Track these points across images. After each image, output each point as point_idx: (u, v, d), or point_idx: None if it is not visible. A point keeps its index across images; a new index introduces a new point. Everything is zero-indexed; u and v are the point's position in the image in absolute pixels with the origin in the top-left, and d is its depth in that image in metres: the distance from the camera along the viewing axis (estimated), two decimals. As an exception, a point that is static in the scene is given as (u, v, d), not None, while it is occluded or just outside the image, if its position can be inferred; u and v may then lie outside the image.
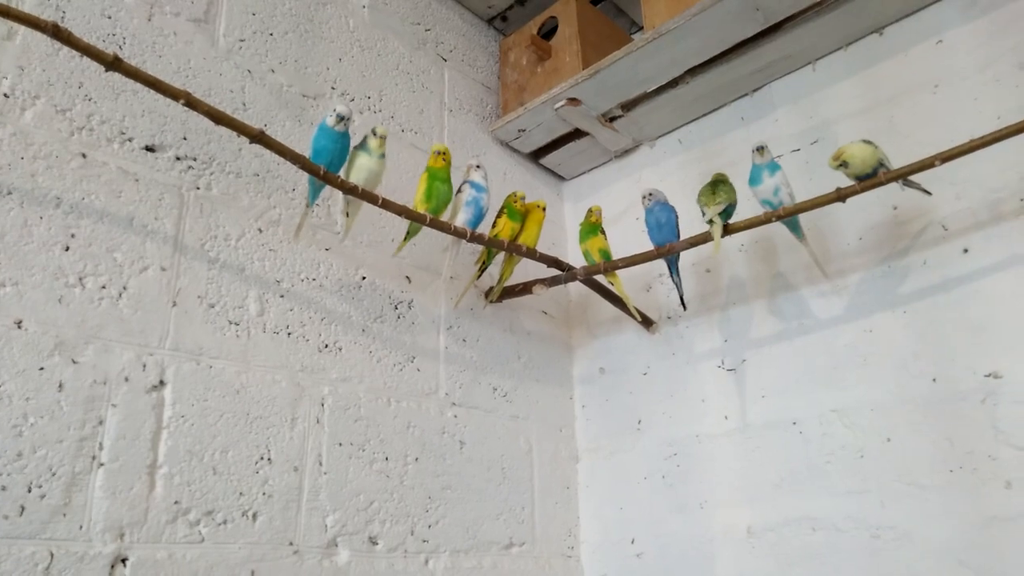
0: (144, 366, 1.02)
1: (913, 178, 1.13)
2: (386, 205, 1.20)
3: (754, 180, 1.24)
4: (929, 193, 1.16)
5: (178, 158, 1.15)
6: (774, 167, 1.23)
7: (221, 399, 1.09)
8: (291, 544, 1.10)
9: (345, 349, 1.27)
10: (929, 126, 1.31)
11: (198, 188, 1.16)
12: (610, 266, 1.41)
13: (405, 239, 1.31)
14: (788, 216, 1.22)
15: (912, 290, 1.26)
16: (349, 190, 1.17)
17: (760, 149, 1.23)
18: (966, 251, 1.22)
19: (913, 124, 1.33)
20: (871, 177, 1.14)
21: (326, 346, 1.25)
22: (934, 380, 1.20)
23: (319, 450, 1.18)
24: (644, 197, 1.38)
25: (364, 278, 1.35)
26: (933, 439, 1.18)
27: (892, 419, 1.22)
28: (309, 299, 1.25)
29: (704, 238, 1.29)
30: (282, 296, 1.21)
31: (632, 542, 1.49)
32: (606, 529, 1.54)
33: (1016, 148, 1.14)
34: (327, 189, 1.21)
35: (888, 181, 1.13)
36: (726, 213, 1.26)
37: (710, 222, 1.26)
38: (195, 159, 1.17)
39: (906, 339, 1.25)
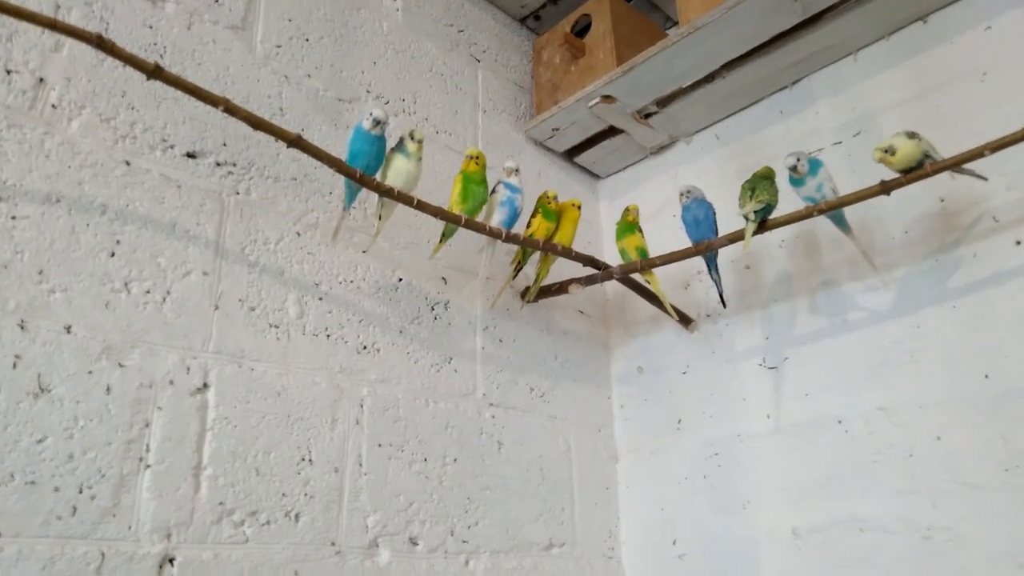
0: (188, 369, 1.04)
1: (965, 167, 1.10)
2: (421, 206, 1.21)
3: (796, 183, 1.21)
4: (985, 179, 1.12)
5: (218, 164, 1.17)
6: (815, 166, 1.19)
7: (263, 401, 1.10)
8: (333, 544, 1.11)
9: (383, 350, 1.28)
10: (978, 115, 1.26)
11: (238, 193, 1.18)
12: (647, 264, 1.39)
13: (441, 240, 1.31)
14: (830, 210, 1.19)
15: (961, 284, 1.23)
16: (385, 192, 1.18)
17: (794, 168, 1.19)
18: (1019, 243, 1.18)
19: (961, 113, 1.29)
20: (917, 169, 1.10)
21: (364, 348, 1.26)
22: (986, 376, 1.16)
23: (359, 451, 1.19)
24: (681, 195, 1.37)
25: (401, 280, 1.36)
26: (986, 437, 1.14)
27: (942, 417, 1.19)
28: (347, 301, 1.26)
29: (743, 235, 1.27)
30: (321, 298, 1.22)
31: (674, 543, 1.47)
32: (647, 530, 1.53)
33: (1071, 135, 1.10)
34: (363, 192, 1.22)
35: (935, 172, 1.10)
36: (763, 211, 1.23)
37: (745, 218, 1.24)
38: (234, 164, 1.19)
39: (955, 334, 1.21)
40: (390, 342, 1.30)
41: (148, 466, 0.97)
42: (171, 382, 1.02)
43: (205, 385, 1.05)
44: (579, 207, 1.44)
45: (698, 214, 1.35)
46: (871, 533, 1.22)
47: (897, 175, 1.12)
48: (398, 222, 1.35)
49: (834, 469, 1.29)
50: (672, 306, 1.48)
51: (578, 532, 1.47)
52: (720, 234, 1.33)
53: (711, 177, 1.63)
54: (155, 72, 0.95)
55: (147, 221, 1.06)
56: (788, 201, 1.26)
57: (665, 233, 1.65)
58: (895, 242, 1.32)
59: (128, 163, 1.07)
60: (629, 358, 1.69)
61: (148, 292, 1.04)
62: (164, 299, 1.05)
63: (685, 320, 1.57)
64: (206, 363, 1.06)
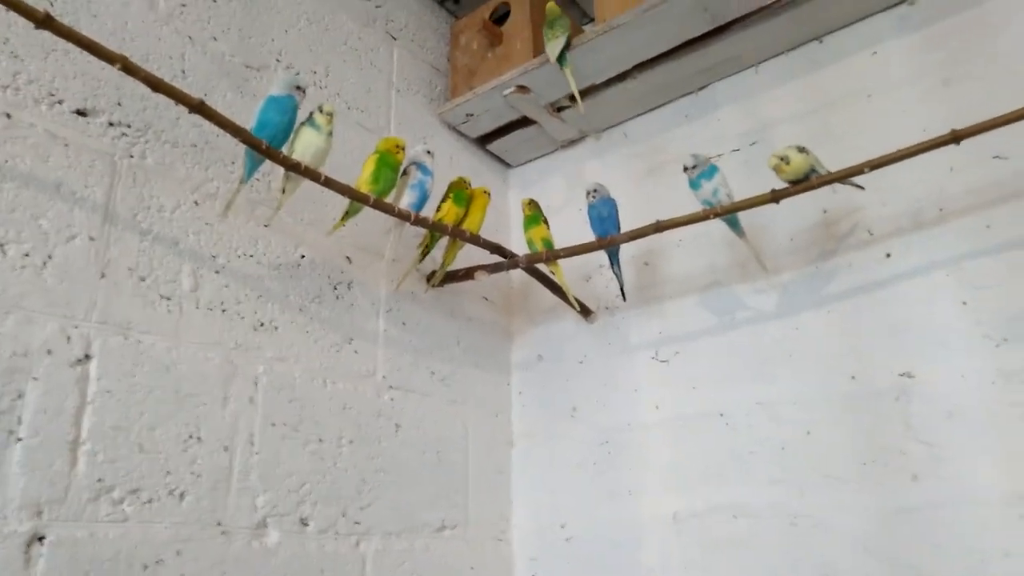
0: (69, 338, 0.98)
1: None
2: (329, 183, 1.19)
3: (694, 186, 1.27)
4: (862, 188, 1.20)
5: (111, 124, 1.10)
6: (711, 171, 1.26)
7: (150, 375, 1.06)
8: (219, 524, 1.08)
9: (281, 328, 1.25)
10: (862, 133, 1.36)
11: (132, 156, 1.12)
12: (552, 255, 1.42)
13: (343, 218, 1.28)
14: (725, 214, 1.25)
15: (837, 291, 1.32)
16: (292, 167, 1.15)
17: (687, 169, 1.26)
18: (888, 256, 1.28)
19: (847, 130, 1.38)
20: (804, 181, 1.18)
21: (262, 324, 1.23)
22: (853, 378, 1.26)
23: (251, 429, 1.16)
24: (588, 193, 1.40)
25: (303, 257, 1.33)
26: (850, 433, 1.24)
27: (813, 413, 1.28)
28: (245, 276, 1.22)
29: (644, 232, 1.32)
30: (217, 272, 1.18)
31: (562, 527, 1.52)
32: (538, 514, 1.57)
33: (938, 160, 1.20)
34: (267, 165, 1.18)
35: (819, 185, 1.18)
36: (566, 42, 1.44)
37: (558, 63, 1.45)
38: (129, 126, 1.12)
39: (829, 337, 1.30)
40: (289, 320, 1.27)
41: (19, 439, 0.91)
42: (49, 351, 0.96)
43: (87, 356, 1.00)
44: (489, 194, 1.45)
45: (603, 211, 1.39)
46: (744, 519, 1.30)
47: (786, 185, 1.20)
48: (303, 198, 1.32)
49: (714, 459, 1.37)
50: (575, 297, 1.52)
51: (471, 515, 1.50)
52: (623, 230, 1.37)
53: (617, 173, 1.68)
54: (45, 21, 0.89)
55: (29, 179, 0.99)
56: (686, 202, 1.32)
57: (572, 225, 1.67)
58: (782, 248, 1.40)
59: (9, 115, 0.99)
60: (530, 346, 1.72)
61: (27, 255, 0.97)
62: (45, 263, 0.99)
63: (585, 311, 1.62)
64: (89, 333, 1.01)
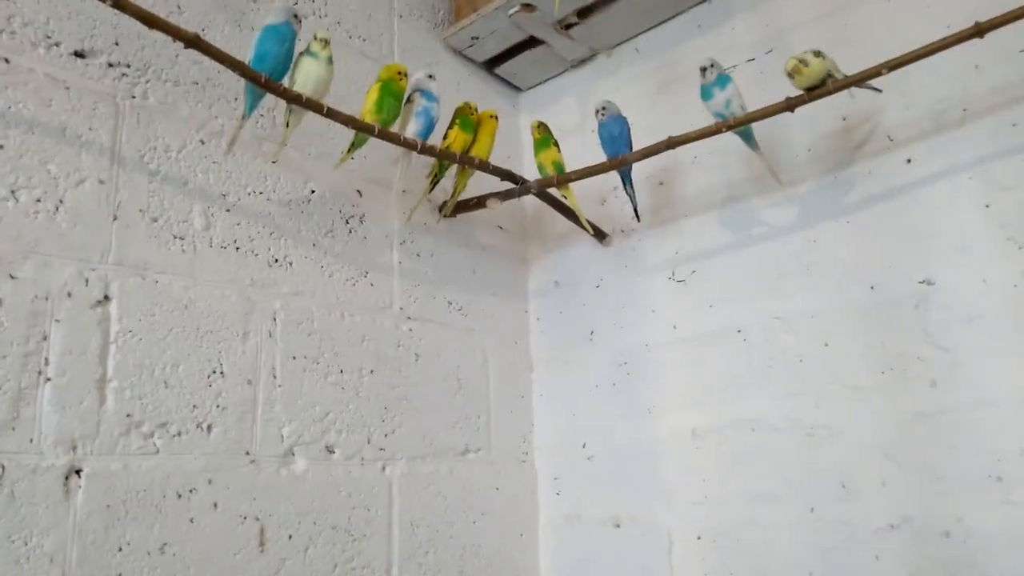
0: (87, 281, 1.00)
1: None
2: (331, 115, 1.17)
3: (705, 95, 1.23)
4: (879, 91, 1.16)
5: (111, 64, 1.10)
6: (724, 80, 1.22)
7: (169, 314, 1.08)
8: (248, 454, 1.12)
9: (296, 264, 1.27)
10: (882, 35, 1.30)
11: (134, 97, 1.11)
12: (563, 179, 1.40)
13: (349, 150, 1.27)
14: (738, 126, 1.22)
15: (856, 200, 1.29)
16: (293, 99, 1.13)
17: (704, 70, 1.22)
18: (909, 161, 1.24)
19: (867, 33, 1.32)
20: (820, 87, 1.14)
21: (276, 261, 1.24)
22: (872, 287, 1.24)
23: (272, 363, 1.19)
24: (597, 111, 1.37)
25: (313, 192, 1.33)
26: (868, 343, 1.23)
27: (831, 325, 1.27)
28: (256, 213, 1.23)
29: (655, 149, 1.29)
30: (228, 210, 1.19)
31: (583, 446, 1.55)
32: (559, 435, 1.60)
33: (961, 58, 1.15)
34: (271, 99, 1.17)
35: (836, 90, 1.13)
36: None
37: None
38: (129, 66, 1.12)
39: (848, 248, 1.28)
40: (303, 255, 1.28)
41: (48, 379, 0.94)
42: (69, 294, 0.98)
43: (106, 297, 1.02)
44: (496, 118, 1.43)
45: (613, 130, 1.36)
46: (762, 432, 1.31)
47: (801, 92, 1.16)
48: (309, 131, 1.31)
49: (732, 375, 1.37)
50: (588, 221, 1.50)
51: (493, 438, 1.53)
52: (635, 149, 1.34)
53: (630, 91, 1.64)
54: (29, -41, 0.88)
55: (33, 125, 1.00)
56: (700, 116, 1.28)
57: (585, 148, 1.65)
58: (799, 159, 1.37)
59: (8, 60, 0.99)
60: (546, 272, 1.72)
61: (39, 201, 0.98)
62: (57, 208, 1.00)
63: (600, 235, 1.60)
64: (106, 275, 1.03)
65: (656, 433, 1.45)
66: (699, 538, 1.35)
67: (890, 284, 1.22)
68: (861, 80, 1.12)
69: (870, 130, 1.30)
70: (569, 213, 1.53)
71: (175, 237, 1.11)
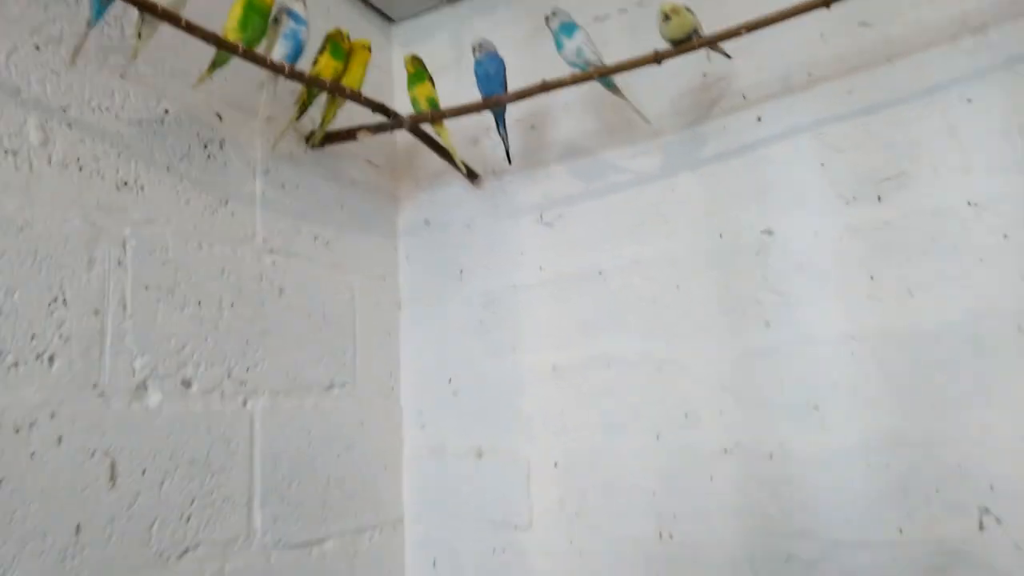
0: (-102, 195, 0.89)
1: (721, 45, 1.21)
2: (191, 29, 1.09)
3: (558, 46, 1.27)
4: (729, 56, 1.24)
5: (-79, -52, 0.96)
6: (569, 29, 1.26)
7: (2, 236, 0.98)
8: (95, 387, 1.06)
9: (148, 188, 1.18)
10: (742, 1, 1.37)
11: (-48, -12, 0.98)
12: (437, 115, 1.39)
13: (209, 69, 1.19)
14: (607, 74, 1.26)
15: (711, 154, 1.38)
16: (148, 8, 1.04)
17: (547, 19, 1.27)
18: (759, 119, 1.34)
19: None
20: (686, 41, 1.20)
21: (125, 183, 1.15)
22: (720, 236, 1.35)
23: (123, 293, 1.11)
24: (474, 48, 1.37)
25: (167, 112, 1.24)
26: (714, 287, 1.34)
27: (683, 269, 1.37)
28: (103, 131, 1.13)
29: (530, 92, 1.31)
30: (69, 126, 1.09)
31: (449, 381, 1.59)
32: (425, 371, 1.62)
33: (811, 27, 1.24)
34: (120, 6, 1.07)
35: (700, 47, 1.20)
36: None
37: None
38: (-55, -49, 0.98)
39: (701, 198, 1.37)
40: (156, 179, 1.20)
41: None
42: None
43: (-77, 215, 0.91)
44: (369, 48, 1.39)
45: (490, 68, 1.36)
46: (616, 367, 1.40)
47: (668, 46, 1.21)
48: (163, 46, 1.21)
49: (592, 314, 1.45)
50: (462, 161, 1.51)
51: (359, 374, 1.53)
52: (510, 91, 1.36)
53: (507, 31, 1.63)
54: None
55: None
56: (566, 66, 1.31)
57: (460, 85, 1.64)
58: (663, 111, 1.43)
59: None
60: (417, 210, 1.71)
61: None
62: None
63: (472, 175, 1.61)
64: (-77, 189, 0.92)
65: (519, 369, 1.51)
66: (556, 465, 1.44)
67: (736, 233, 1.33)
68: (722, 38, 1.19)
69: (726, 87, 1.38)
70: (442, 151, 1.52)
71: (7, 152, 1.01)
